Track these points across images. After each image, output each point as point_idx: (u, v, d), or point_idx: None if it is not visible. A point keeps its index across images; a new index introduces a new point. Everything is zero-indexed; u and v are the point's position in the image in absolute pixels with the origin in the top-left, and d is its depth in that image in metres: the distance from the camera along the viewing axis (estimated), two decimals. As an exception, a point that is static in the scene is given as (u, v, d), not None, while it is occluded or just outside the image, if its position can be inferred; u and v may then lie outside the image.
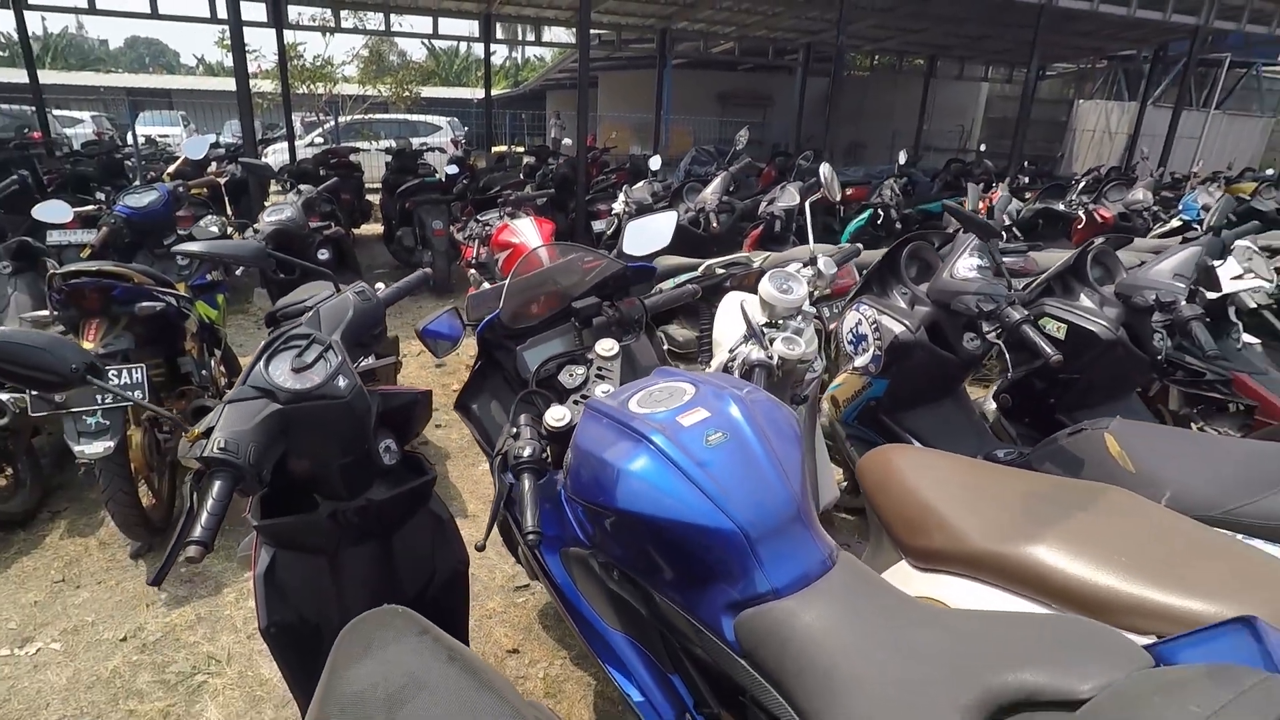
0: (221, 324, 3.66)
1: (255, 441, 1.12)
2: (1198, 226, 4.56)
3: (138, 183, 4.70)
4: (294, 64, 11.91)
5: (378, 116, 13.78)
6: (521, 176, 6.91)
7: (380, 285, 1.58)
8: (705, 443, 1.15)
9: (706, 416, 1.19)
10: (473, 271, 3.97)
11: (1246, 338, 2.67)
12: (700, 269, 3.25)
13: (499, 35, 10.61)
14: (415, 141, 8.24)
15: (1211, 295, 2.45)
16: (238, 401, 1.19)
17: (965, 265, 2.13)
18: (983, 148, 9.68)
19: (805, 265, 2.00)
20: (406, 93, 13.19)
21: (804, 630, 1.02)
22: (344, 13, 10.69)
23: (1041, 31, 7.59)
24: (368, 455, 1.40)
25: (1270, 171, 8.14)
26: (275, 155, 10.27)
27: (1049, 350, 1.90)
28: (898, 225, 5.90)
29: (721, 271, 2.58)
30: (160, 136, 12.41)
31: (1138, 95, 10.93)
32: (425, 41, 24.43)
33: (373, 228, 8.81)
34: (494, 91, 11.30)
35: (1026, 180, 8.26)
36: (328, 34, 13.14)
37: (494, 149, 10.60)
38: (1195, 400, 2.75)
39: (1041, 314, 2.40)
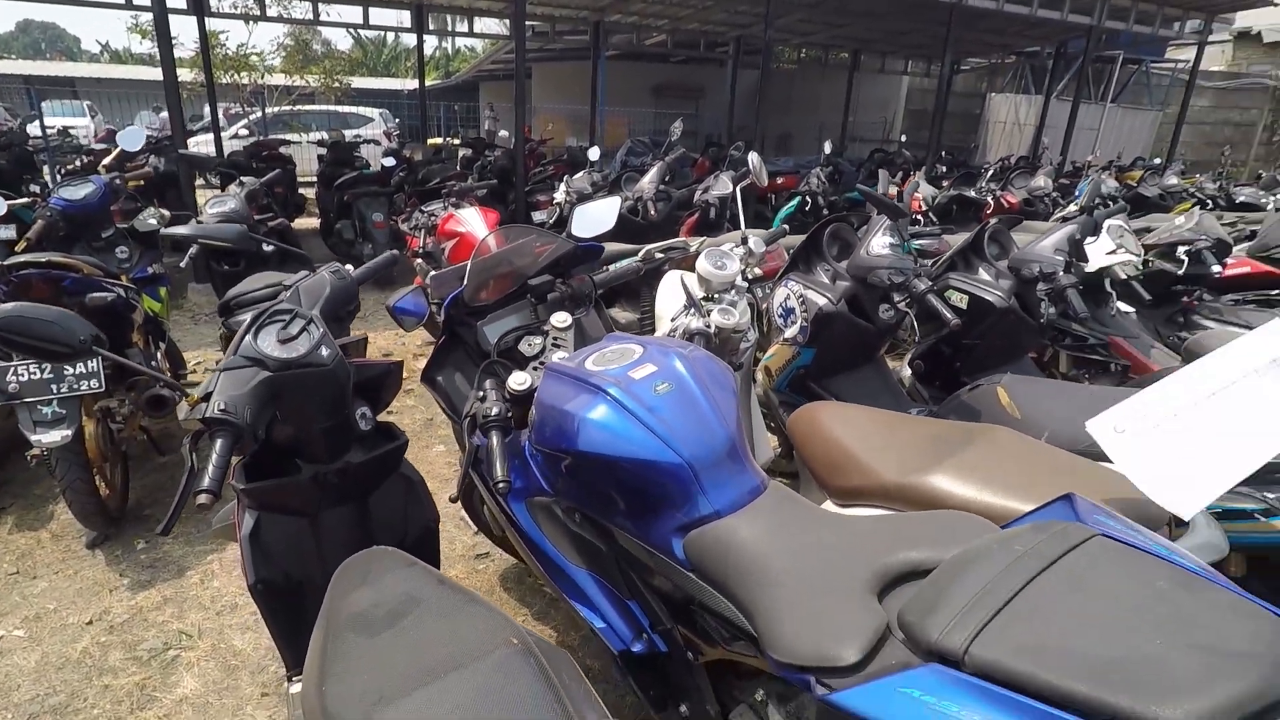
0: (165, 316, 3.65)
1: (250, 404, 1.25)
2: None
3: (62, 176, 4.58)
4: (216, 53, 11.52)
5: (306, 108, 13.44)
6: (459, 169, 6.95)
7: (349, 266, 1.71)
8: (654, 392, 1.34)
9: (654, 370, 1.38)
10: (419, 261, 4.06)
11: (1121, 306, 3.04)
12: (640, 254, 3.43)
13: (430, 26, 10.51)
14: (348, 133, 8.16)
15: (1089, 269, 2.79)
16: (231, 369, 1.31)
17: (879, 243, 2.39)
18: (904, 138, 10.21)
19: (738, 245, 2.22)
20: (336, 83, 12.90)
21: (741, 542, 1.22)
22: (268, 0, 10.42)
23: (954, 28, 8.08)
24: (346, 420, 1.53)
25: (1157, 160, 8.89)
26: (199, 148, 9.94)
27: (949, 316, 2.17)
28: (825, 211, 6.24)
29: (661, 255, 2.76)
30: (68, 127, 11.81)
31: (1043, 89, 11.72)
32: (351, 31, 23.77)
33: (307, 221, 8.68)
34: (426, 83, 11.20)
35: (944, 169, 8.77)
36: (251, 22, 12.73)
37: (429, 141, 10.53)
38: (1081, 362, 3.10)
39: (946, 286, 2.70)
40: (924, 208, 5.68)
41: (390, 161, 6.68)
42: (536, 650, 0.95)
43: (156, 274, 3.61)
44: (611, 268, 1.97)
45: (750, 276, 2.32)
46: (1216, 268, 3.07)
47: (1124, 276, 2.84)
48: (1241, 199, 6.37)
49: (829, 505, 1.84)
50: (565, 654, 0.98)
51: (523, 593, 2.50)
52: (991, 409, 2.14)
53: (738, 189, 2.39)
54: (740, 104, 12.21)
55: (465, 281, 1.76)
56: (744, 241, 2.22)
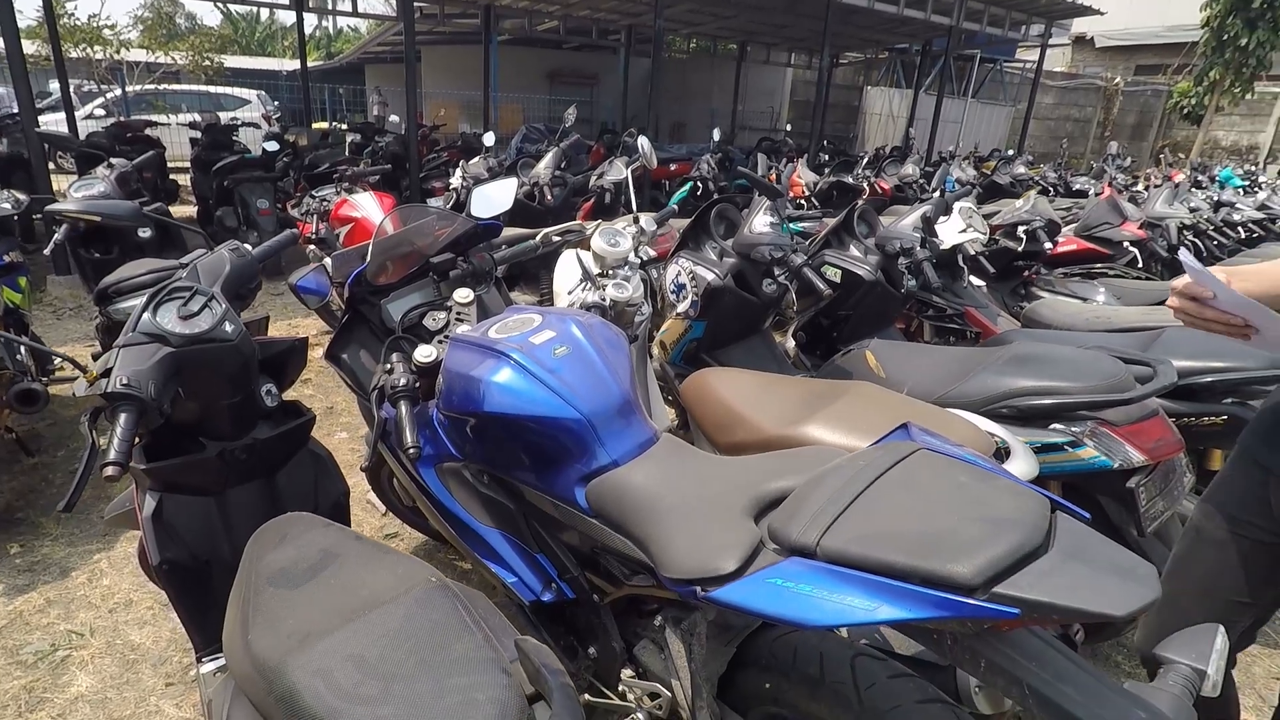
0: (27, 308, 3.40)
1: (154, 378, 1.26)
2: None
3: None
4: (63, 23, 10.50)
5: (174, 88, 12.47)
6: (349, 154, 6.74)
7: (248, 245, 1.72)
8: (553, 355, 1.46)
9: (553, 335, 1.50)
10: (312, 248, 3.97)
11: (972, 279, 3.41)
12: (538, 237, 3.52)
13: (310, 3, 10.02)
14: (223, 116, 7.69)
15: (944, 246, 3.12)
16: (130, 346, 1.31)
17: (760, 222, 2.60)
18: (788, 128, 10.71)
19: (631, 224, 2.36)
20: (206, 61, 12.02)
21: (637, 485, 1.36)
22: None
23: (831, 23, 8.56)
24: (252, 397, 1.56)
25: (1010, 152, 9.81)
26: (48, 128, 9.07)
27: (823, 287, 2.41)
28: (715, 195, 6.51)
29: (558, 239, 2.87)
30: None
31: (913, 84, 12.60)
32: (220, 5, 22.09)
33: (182, 209, 8.14)
34: (308, 64, 10.67)
35: (826, 157, 9.29)
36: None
37: (315, 125, 10.06)
38: (941, 331, 3.46)
39: (822, 262, 2.95)
40: (806, 192, 6.05)
41: (273, 146, 6.38)
42: (453, 587, 1.04)
43: (14, 263, 3.36)
44: (511, 247, 2.07)
45: (643, 255, 2.47)
46: (1048, 245, 3.50)
47: (973, 252, 3.21)
48: (1077, 186, 7.18)
49: (718, 459, 2.01)
50: (481, 594, 1.06)
51: (434, 566, 2.56)
52: (861, 370, 2.40)
53: (629, 172, 2.52)
54: (634, 91, 12.40)
55: (368, 260, 1.81)
56: (636, 221, 2.36)
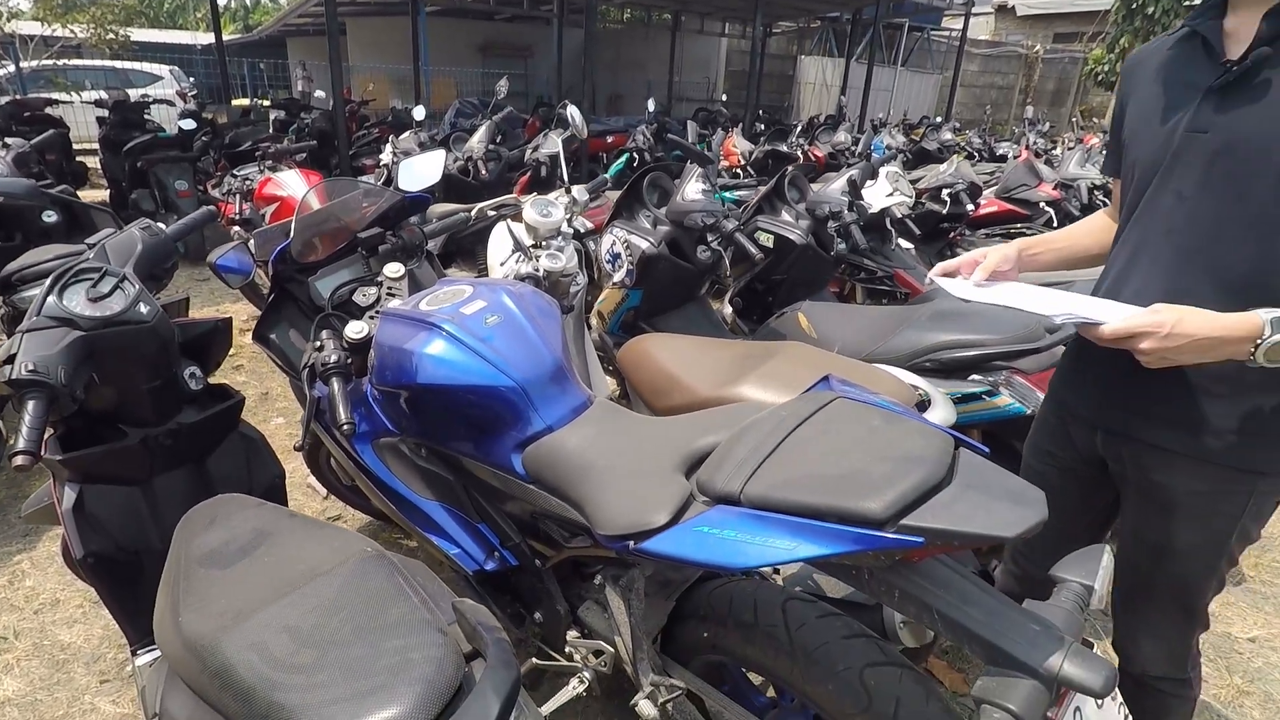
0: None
1: (64, 363, 1.21)
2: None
3: None
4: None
5: (76, 63, 11.66)
6: (272, 132, 6.47)
7: (161, 225, 1.65)
8: (485, 324, 1.47)
9: (484, 305, 1.50)
10: (236, 229, 3.83)
11: (901, 242, 3.52)
12: (473, 211, 3.48)
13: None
14: (133, 93, 7.26)
15: (872, 210, 3.22)
16: (35, 331, 1.25)
17: (692, 189, 2.63)
18: (724, 98, 10.73)
19: (564, 195, 2.36)
20: (111, 35, 11.25)
21: (571, 448, 1.39)
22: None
23: (761, -8, 8.57)
24: (174, 380, 1.51)
25: (938, 119, 10.07)
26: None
27: (754, 251, 2.46)
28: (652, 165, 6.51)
29: (493, 213, 2.84)
30: None
31: (845, 53, 12.78)
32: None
33: (92, 192, 7.71)
34: (224, 38, 10.12)
35: (762, 126, 9.35)
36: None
37: (235, 102, 9.58)
38: (872, 293, 3.58)
39: (755, 228, 3.00)
40: (741, 161, 6.10)
41: (190, 124, 6.07)
42: (392, 556, 1.05)
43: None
44: (441, 220, 2.04)
45: (578, 226, 2.47)
46: (970, 207, 3.64)
47: (900, 215, 3.31)
48: (1000, 151, 7.44)
49: (657, 424, 2.06)
50: (420, 563, 1.06)
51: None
52: (794, 332, 2.47)
53: (560, 142, 2.51)
54: (569, 63, 12.20)
55: (291, 235, 1.77)
56: (568, 192, 2.36)
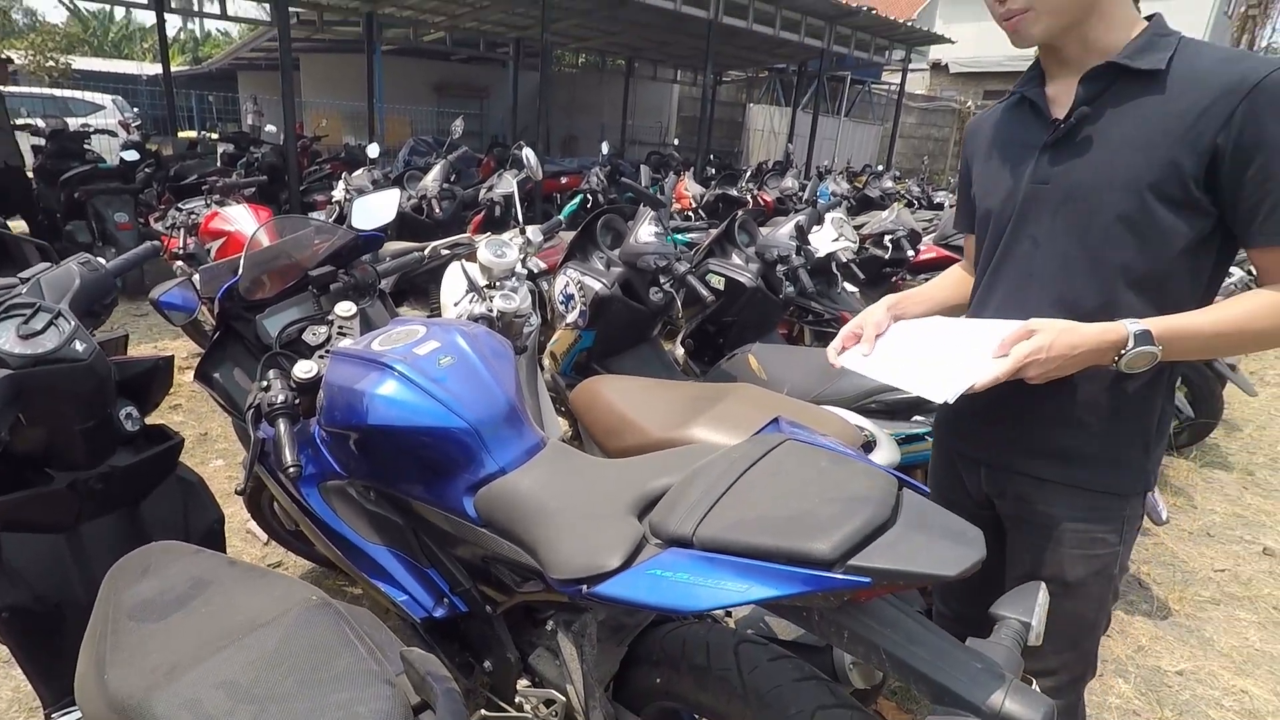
0: None
1: None
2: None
3: None
4: None
5: (12, 90, 11.30)
6: (220, 165, 6.34)
7: (101, 259, 1.61)
8: (438, 365, 1.46)
9: (438, 346, 1.50)
10: (179, 264, 3.72)
11: (846, 285, 3.65)
12: (426, 250, 3.47)
13: (173, 4, 9.36)
14: (73, 122, 7.06)
15: (819, 255, 3.33)
16: None
17: (645, 232, 2.68)
18: (676, 142, 11.03)
19: (518, 235, 2.38)
20: (51, 62, 10.96)
21: (524, 491, 1.38)
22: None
23: (712, 43, 8.90)
24: (109, 420, 1.46)
25: (880, 167, 10.54)
26: None
27: (705, 293, 2.51)
28: (605, 207, 6.61)
29: (446, 252, 2.85)
30: None
31: (792, 102, 13.32)
32: (67, 2, 20.20)
33: (21, 224, 7.41)
34: (172, 69, 9.95)
35: (714, 170, 9.61)
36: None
37: (181, 134, 9.38)
38: (820, 335, 3.68)
39: (707, 270, 3.07)
40: (693, 205, 6.25)
41: (132, 155, 5.92)
42: (337, 605, 1.02)
43: None
44: (395, 259, 2.03)
45: (532, 267, 2.49)
46: (911, 253, 3.80)
47: (845, 260, 3.43)
48: (937, 199, 7.82)
49: (609, 465, 2.06)
50: (366, 611, 1.02)
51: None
52: (744, 373, 2.51)
53: (515, 184, 2.54)
54: (524, 105, 12.35)
55: (239, 273, 1.74)
56: (523, 233, 2.38)
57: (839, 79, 15.15)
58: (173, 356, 1.60)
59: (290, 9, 10.62)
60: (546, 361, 2.97)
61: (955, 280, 1.54)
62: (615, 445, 2.04)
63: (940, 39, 12.14)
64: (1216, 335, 1.07)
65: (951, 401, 1.08)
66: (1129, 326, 1.05)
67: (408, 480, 1.53)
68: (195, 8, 9.42)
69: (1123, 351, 1.05)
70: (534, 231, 2.39)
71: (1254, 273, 1.25)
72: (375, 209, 2.08)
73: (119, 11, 25.34)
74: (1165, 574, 2.87)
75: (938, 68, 20.63)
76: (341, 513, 1.66)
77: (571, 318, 2.72)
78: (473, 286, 2.05)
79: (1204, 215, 1.08)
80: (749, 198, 6.58)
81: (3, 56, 10.58)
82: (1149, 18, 1.15)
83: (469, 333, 1.56)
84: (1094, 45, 1.14)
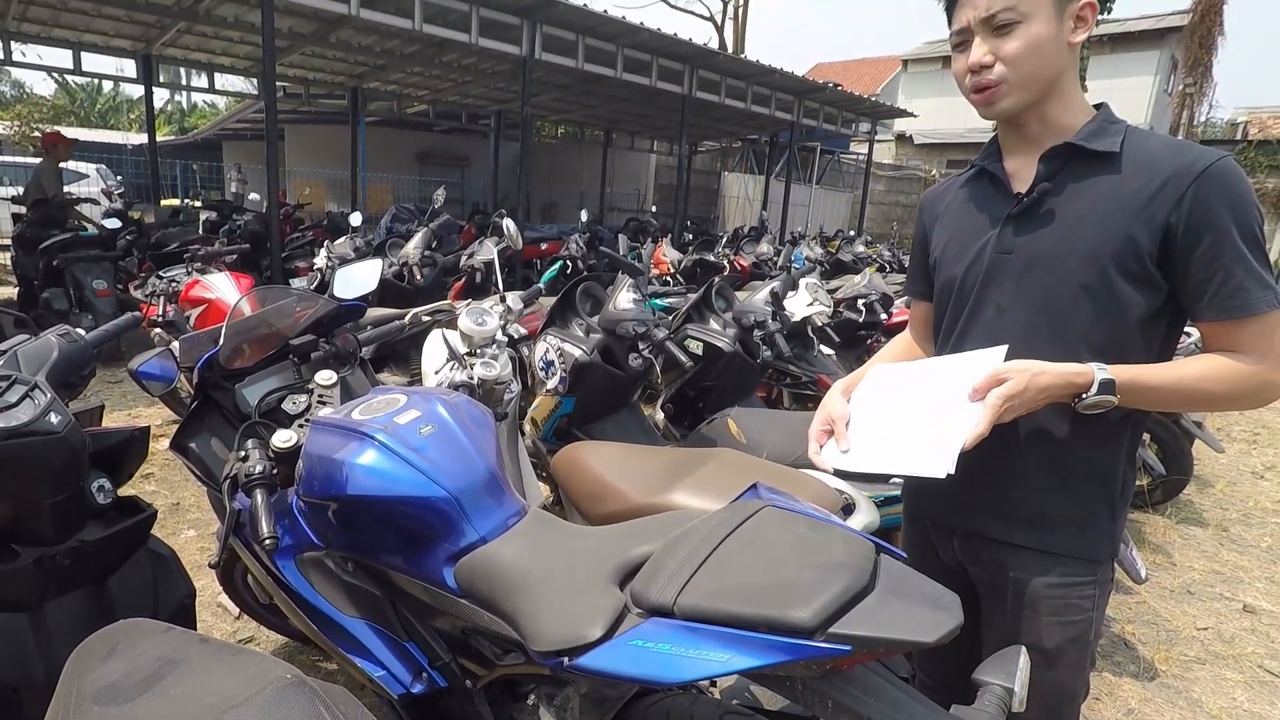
0: None
1: None
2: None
3: None
4: None
5: (-2, 159, 11.43)
6: (202, 233, 6.40)
7: (80, 330, 1.61)
8: (419, 434, 1.46)
9: (418, 415, 1.51)
10: (158, 331, 3.71)
11: (823, 348, 3.72)
12: (407, 317, 3.50)
13: (161, 78, 9.58)
14: (54, 190, 7.09)
15: (795, 319, 3.41)
16: None
17: (624, 299, 2.74)
18: (654, 209, 11.34)
19: (498, 303, 2.42)
20: (35, 132, 11.11)
21: (505, 560, 1.37)
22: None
23: (687, 116, 9.26)
24: (80, 494, 1.44)
25: (852, 233, 10.89)
26: None
27: (684, 359, 2.55)
28: (584, 274, 6.73)
29: (427, 319, 2.87)
30: None
31: (764, 171, 13.82)
32: (55, 75, 20.54)
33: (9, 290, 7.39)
34: (158, 138, 10.10)
35: (690, 236, 9.85)
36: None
37: (164, 202, 9.46)
38: (798, 397, 3.72)
39: (685, 336, 3.13)
40: (671, 270, 6.39)
41: (114, 223, 5.95)
42: (312, 683, 0.99)
43: None
44: (378, 327, 2.06)
45: (513, 333, 2.53)
46: (884, 315, 3.90)
47: (820, 324, 3.51)
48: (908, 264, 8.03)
49: (591, 531, 2.05)
50: (343, 689, 1.00)
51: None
52: (724, 437, 2.53)
53: (496, 252, 2.60)
54: (505, 173, 12.67)
55: (221, 342, 1.74)
56: (503, 300, 2.42)
57: (809, 149, 15.78)
58: (148, 428, 1.59)
59: (278, 83, 10.93)
60: (528, 427, 2.97)
61: (903, 350, 1.59)
62: (597, 511, 2.03)
63: (903, 112, 12.79)
64: (1173, 392, 1.12)
65: (952, 472, 1.09)
66: (1096, 373, 1.10)
67: (387, 551, 1.51)
68: (183, 81, 9.64)
69: (1084, 395, 1.10)
70: (514, 299, 2.44)
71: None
72: (357, 278, 2.11)
73: (107, 84, 25.85)
74: (1150, 633, 2.87)
75: (902, 139, 21.64)
76: (318, 585, 1.63)
77: (552, 384, 2.74)
78: (453, 354, 2.08)
79: (1157, 290, 1.15)
80: (726, 263, 6.74)
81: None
82: (1097, 106, 1.24)
83: (450, 401, 1.57)
84: (1052, 125, 1.22)
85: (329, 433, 1.51)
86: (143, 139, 11.26)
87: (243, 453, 1.54)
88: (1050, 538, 1.25)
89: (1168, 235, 1.11)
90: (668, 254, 6.81)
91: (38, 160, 11.68)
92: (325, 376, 1.80)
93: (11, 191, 7.79)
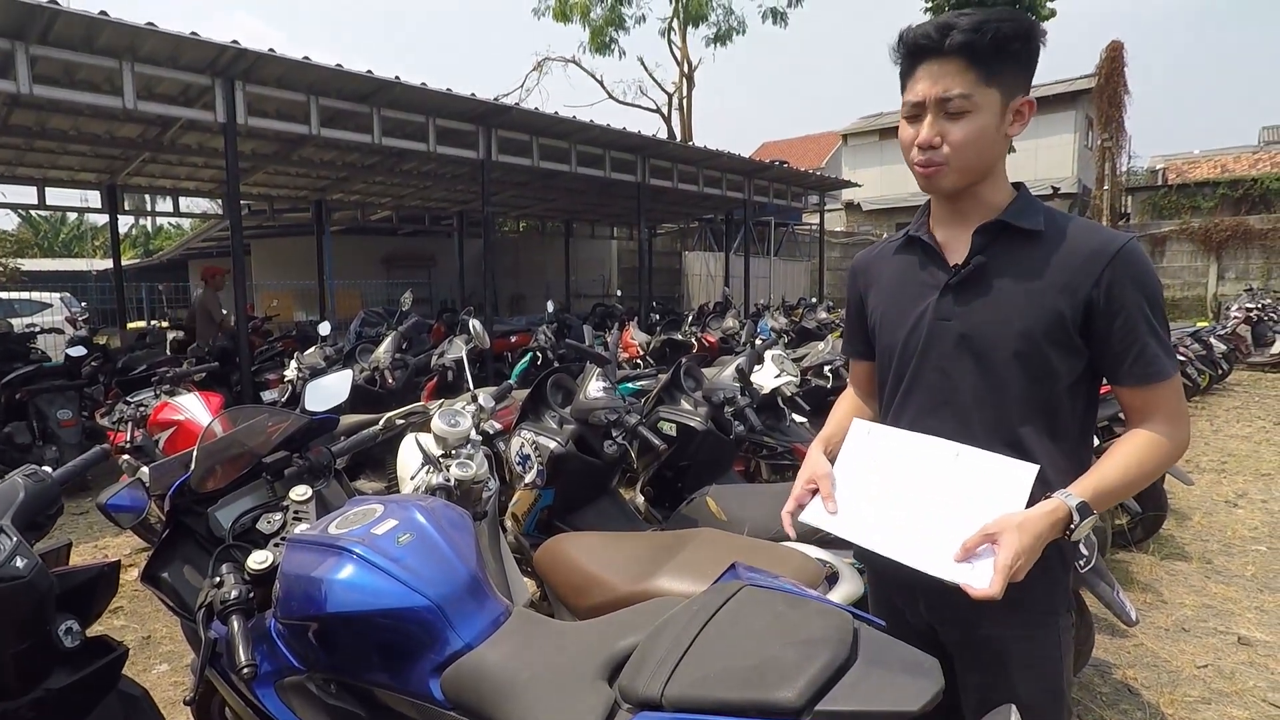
0: None
1: None
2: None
3: None
4: None
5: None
6: (169, 353, 6.38)
7: (47, 468, 1.59)
8: (397, 543, 1.46)
9: (396, 524, 1.51)
10: (126, 458, 3.64)
11: (795, 417, 3.78)
12: (380, 422, 3.49)
13: (126, 205, 9.73)
14: (18, 322, 7.07)
15: (765, 391, 3.48)
16: None
17: (594, 388, 2.79)
18: (619, 293, 11.59)
19: (470, 402, 2.45)
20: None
21: (491, 666, 1.36)
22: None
23: (643, 202, 9.63)
24: (46, 639, 1.39)
25: (814, 300, 11.21)
26: None
27: (658, 442, 2.59)
28: (555, 363, 6.79)
29: (401, 422, 2.88)
30: None
31: (723, 247, 14.29)
32: (19, 211, 20.73)
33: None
34: (124, 262, 10.17)
35: (657, 316, 10.05)
36: None
37: (130, 325, 9.44)
38: (776, 468, 3.75)
39: (658, 418, 3.17)
40: (640, 352, 6.49)
41: (78, 351, 5.93)
42: None
43: None
44: (352, 435, 2.07)
45: (490, 428, 2.55)
46: (850, 380, 4.00)
47: (789, 394, 3.59)
48: (872, 326, 8.25)
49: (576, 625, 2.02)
50: None
51: (274, 808, 2.24)
52: (704, 516, 2.54)
53: (464, 352, 2.65)
54: (470, 270, 12.89)
55: (192, 467, 1.74)
56: (474, 399, 2.45)
57: (764, 223, 16.39)
58: (118, 562, 1.56)
59: (242, 200, 11.17)
60: (509, 523, 2.94)
61: (851, 408, 1.64)
62: (583, 604, 2.01)
63: (848, 183, 13.47)
64: (1126, 483, 1.21)
65: (951, 581, 1.12)
66: (1069, 502, 1.15)
67: (371, 668, 1.48)
68: (148, 207, 9.80)
69: (1071, 526, 1.15)
70: (486, 396, 2.47)
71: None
72: (328, 390, 2.14)
73: (70, 214, 26.07)
74: (1151, 676, 2.85)
75: (851, 206, 22.68)
76: (300, 711, 1.58)
77: (530, 478, 2.74)
78: (428, 459, 2.09)
79: (1080, 356, 1.26)
80: (694, 340, 6.87)
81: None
82: (1016, 185, 1.36)
83: (426, 507, 1.58)
84: (983, 202, 1.33)
85: (305, 550, 1.50)
86: (107, 264, 11.34)
87: (217, 578, 1.52)
88: (1015, 591, 1.26)
89: (1090, 308, 1.22)
90: (635, 337, 6.93)
91: (5, 295, 11.73)
92: (300, 492, 1.79)
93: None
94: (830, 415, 1.64)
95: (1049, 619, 1.30)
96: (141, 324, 10.67)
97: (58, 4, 4.54)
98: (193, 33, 5.10)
